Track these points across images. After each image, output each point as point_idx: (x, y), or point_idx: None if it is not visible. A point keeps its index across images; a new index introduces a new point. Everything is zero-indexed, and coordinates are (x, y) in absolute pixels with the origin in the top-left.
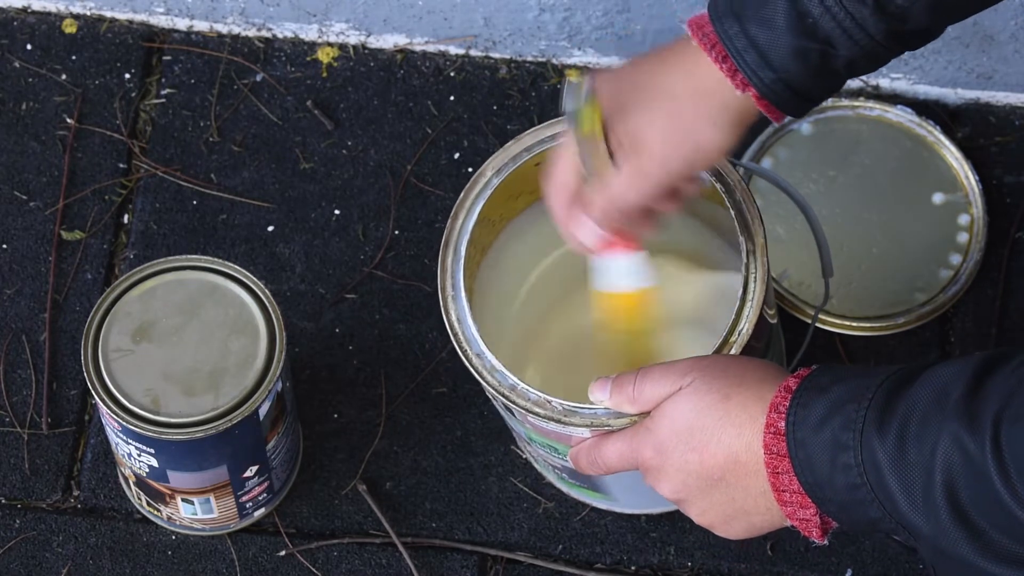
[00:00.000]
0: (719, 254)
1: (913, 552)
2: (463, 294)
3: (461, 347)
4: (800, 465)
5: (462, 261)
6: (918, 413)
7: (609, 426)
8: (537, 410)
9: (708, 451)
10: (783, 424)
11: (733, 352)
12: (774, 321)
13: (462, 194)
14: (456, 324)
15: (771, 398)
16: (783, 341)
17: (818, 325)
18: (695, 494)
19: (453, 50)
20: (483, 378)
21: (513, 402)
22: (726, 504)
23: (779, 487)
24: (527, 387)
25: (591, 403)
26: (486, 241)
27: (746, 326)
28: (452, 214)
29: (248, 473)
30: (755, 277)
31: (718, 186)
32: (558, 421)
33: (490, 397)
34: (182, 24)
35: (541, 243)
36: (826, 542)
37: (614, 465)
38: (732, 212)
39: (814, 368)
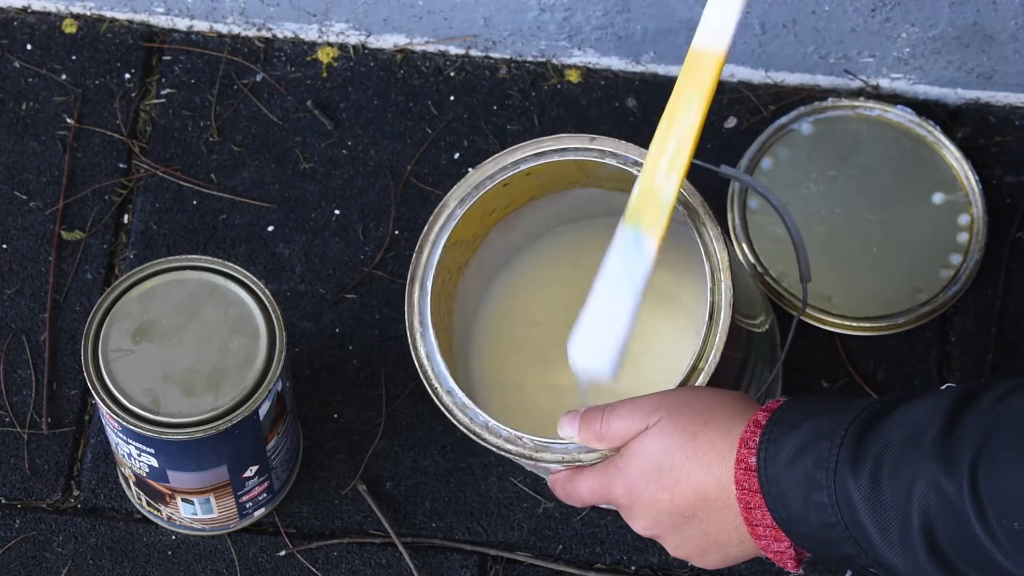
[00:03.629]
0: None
1: None
2: (431, 330)
3: (431, 384)
4: (773, 501)
5: (428, 296)
6: (892, 452)
7: (580, 461)
8: (508, 447)
9: (677, 489)
10: (754, 460)
11: (701, 379)
12: (760, 330)
13: (425, 228)
14: (425, 361)
15: (739, 434)
16: (775, 342)
17: (818, 325)
18: (668, 530)
19: (453, 50)
20: (454, 416)
21: (484, 440)
22: (700, 538)
23: (752, 521)
24: (498, 424)
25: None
26: (462, 260)
27: (714, 353)
28: (416, 248)
29: (248, 473)
30: (723, 299)
31: (681, 209)
32: (529, 458)
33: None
34: (182, 24)
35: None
36: (801, 571)
37: (588, 500)
38: (695, 234)
39: (782, 402)
